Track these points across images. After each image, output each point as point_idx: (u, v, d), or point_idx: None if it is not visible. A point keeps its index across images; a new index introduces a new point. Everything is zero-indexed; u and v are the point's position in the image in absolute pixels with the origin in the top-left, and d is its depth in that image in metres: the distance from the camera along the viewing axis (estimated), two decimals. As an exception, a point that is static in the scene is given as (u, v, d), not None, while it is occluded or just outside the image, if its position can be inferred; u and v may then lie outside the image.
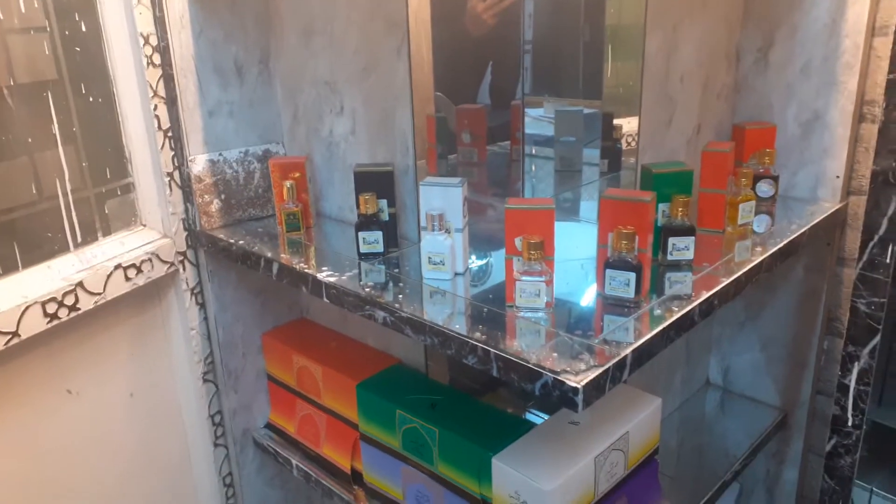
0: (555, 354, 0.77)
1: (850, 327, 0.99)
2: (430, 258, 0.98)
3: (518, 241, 0.87)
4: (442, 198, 0.99)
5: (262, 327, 1.39)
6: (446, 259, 0.98)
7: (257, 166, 1.29)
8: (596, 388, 0.74)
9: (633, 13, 1.19)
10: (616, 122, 1.41)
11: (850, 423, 1.03)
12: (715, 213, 1.12)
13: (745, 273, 0.97)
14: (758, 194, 1.23)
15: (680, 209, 0.98)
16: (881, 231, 0.95)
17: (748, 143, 1.24)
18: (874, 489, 1.09)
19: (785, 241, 1.07)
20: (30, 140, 1.03)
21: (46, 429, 1.11)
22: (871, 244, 0.97)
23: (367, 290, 0.97)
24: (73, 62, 1.08)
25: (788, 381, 1.36)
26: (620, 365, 0.77)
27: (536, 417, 1.22)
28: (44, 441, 1.11)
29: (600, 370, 0.74)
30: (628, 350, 0.78)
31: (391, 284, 0.99)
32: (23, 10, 1.00)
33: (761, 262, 1.01)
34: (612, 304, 0.90)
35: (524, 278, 0.86)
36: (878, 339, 0.97)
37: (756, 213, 1.17)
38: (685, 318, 0.86)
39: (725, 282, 0.94)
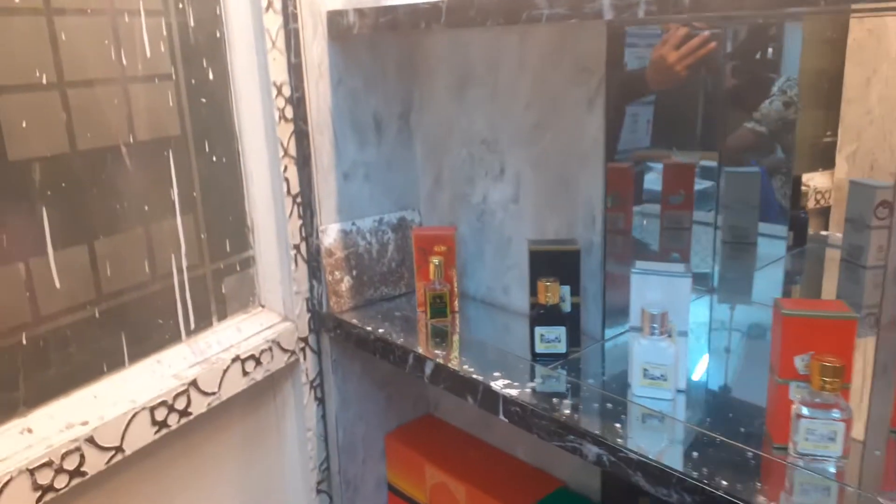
0: (898, 541, 0.52)
1: None
2: (646, 371, 0.75)
3: (800, 362, 0.64)
4: (663, 290, 0.76)
5: (385, 426, 1.17)
6: (668, 372, 0.74)
7: (391, 237, 1.10)
8: None
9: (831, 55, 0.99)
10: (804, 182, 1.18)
11: None
12: None
13: None
14: None
15: None
16: None
17: None
18: None
19: None
20: (146, 208, 0.85)
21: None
22: None
23: (565, 411, 0.74)
24: (198, 116, 0.91)
25: None
26: None
27: None
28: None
29: None
30: None
31: (594, 405, 0.75)
32: (148, 55, 0.84)
33: None
34: (924, 450, 0.64)
35: (810, 415, 0.62)
36: None
37: None
38: None
39: None
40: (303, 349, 1.05)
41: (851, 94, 1.00)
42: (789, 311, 0.64)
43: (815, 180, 1.19)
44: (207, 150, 0.93)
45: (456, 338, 0.95)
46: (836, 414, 0.62)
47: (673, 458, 0.64)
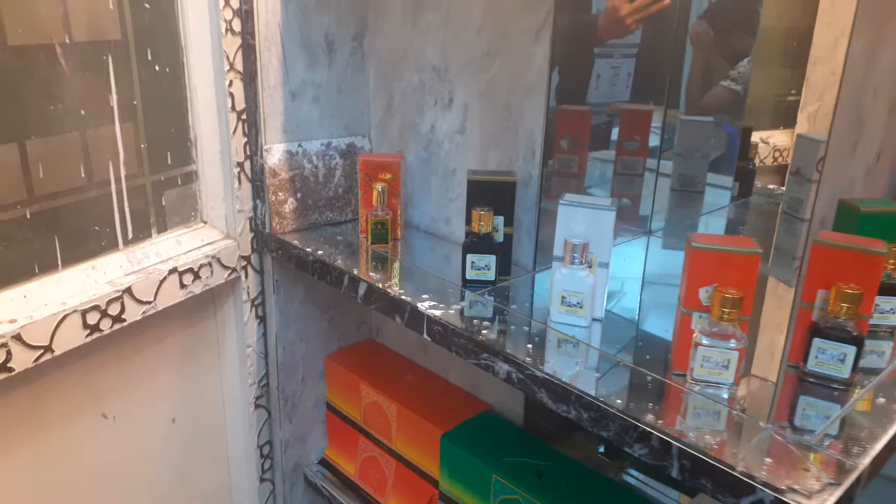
0: (768, 459, 0.56)
1: None
2: (563, 298, 0.78)
3: (704, 293, 0.66)
4: (587, 222, 0.78)
5: (326, 348, 1.20)
6: (585, 301, 0.77)
7: (339, 162, 1.10)
8: (836, 518, 0.52)
9: (796, 13, 1.00)
10: (755, 138, 1.20)
11: None
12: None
13: (975, 352, 0.75)
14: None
15: None
16: None
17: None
18: None
19: None
20: (83, 112, 0.84)
21: (77, 455, 0.93)
22: None
23: (483, 332, 0.76)
24: (141, 22, 0.89)
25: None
26: (858, 480, 0.56)
27: (632, 480, 1.01)
28: (73, 468, 0.93)
29: (839, 491, 0.53)
30: (866, 459, 0.57)
31: (512, 328, 0.78)
32: (87, -47, 0.82)
33: None
34: (815, 384, 0.68)
35: (710, 342, 0.65)
36: None
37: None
38: (920, 412, 0.64)
39: (956, 362, 0.72)
40: (244, 267, 1.06)
41: (818, 54, 1.01)
42: (698, 244, 0.66)
43: (774, 138, 1.21)
44: (150, 58, 0.92)
45: (395, 264, 0.97)
46: (731, 344, 0.65)
47: (576, 379, 0.67)
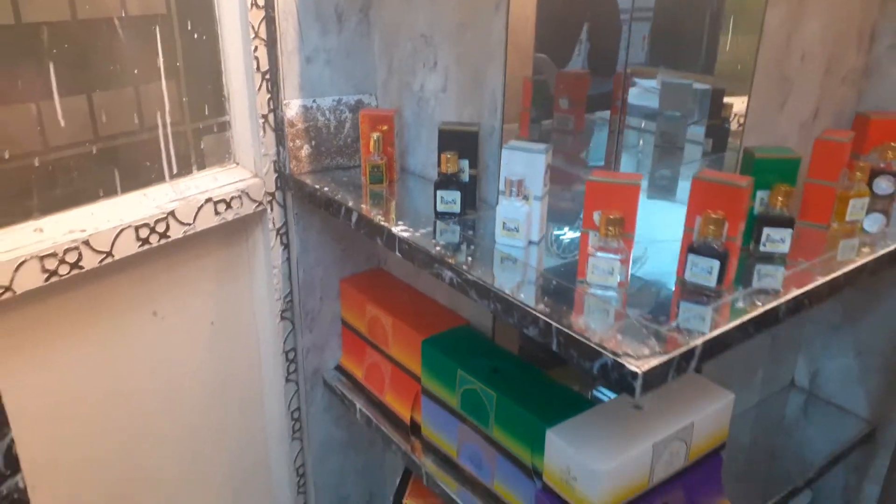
0: (619, 336, 0.75)
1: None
2: (504, 224, 0.97)
3: (596, 216, 0.84)
4: (524, 163, 0.96)
5: (340, 273, 1.42)
6: (521, 226, 0.96)
7: (349, 116, 1.30)
8: (658, 376, 0.71)
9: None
10: (727, 100, 1.33)
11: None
12: (821, 206, 1.03)
13: (844, 274, 0.90)
14: (874, 191, 1.12)
15: (780, 198, 0.91)
16: None
17: (872, 134, 1.14)
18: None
19: (896, 245, 0.98)
20: (135, 72, 1.07)
21: (131, 347, 1.19)
22: None
23: (438, 248, 0.96)
24: (182, -1, 1.12)
25: (882, 393, 1.27)
26: (688, 355, 0.73)
27: (603, 398, 1.19)
28: (127, 359, 1.19)
29: (664, 358, 0.71)
30: (699, 340, 0.74)
31: (464, 246, 0.98)
32: (139, -55, 1.04)
33: (865, 265, 0.93)
34: (691, 292, 0.85)
35: (598, 254, 0.83)
36: None
37: (869, 212, 1.07)
38: (768, 315, 0.81)
39: (820, 281, 0.87)
40: (270, 201, 1.29)
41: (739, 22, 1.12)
42: (592, 177, 0.84)
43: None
44: (189, 28, 1.14)
45: (386, 200, 1.17)
46: (616, 256, 0.83)
47: (500, 283, 0.87)
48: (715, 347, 0.76)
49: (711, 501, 1.04)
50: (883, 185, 1.13)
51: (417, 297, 1.36)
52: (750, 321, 0.79)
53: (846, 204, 1.02)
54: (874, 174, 1.12)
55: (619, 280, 0.84)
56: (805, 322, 1.38)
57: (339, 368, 1.47)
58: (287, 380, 1.44)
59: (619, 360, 0.71)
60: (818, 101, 1.13)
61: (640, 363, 0.70)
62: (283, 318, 1.39)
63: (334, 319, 1.45)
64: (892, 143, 1.11)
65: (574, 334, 0.75)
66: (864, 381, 1.30)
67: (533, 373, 1.11)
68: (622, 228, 0.82)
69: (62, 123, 0.99)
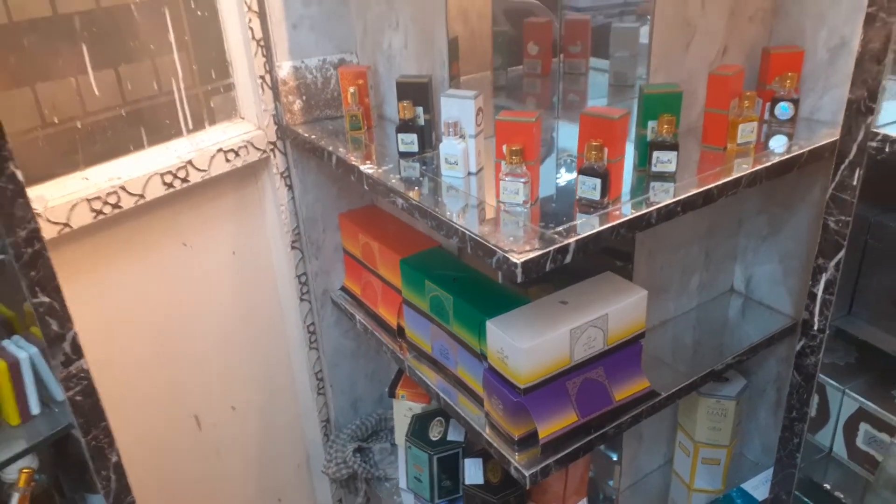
0: (511, 238, 0.98)
1: (821, 242, 1.10)
2: (446, 159, 1.19)
3: (504, 148, 1.06)
4: (458, 108, 1.18)
5: (338, 209, 1.68)
6: (460, 160, 1.18)
7: (333, 73, 1.53)
8: (535, 265, 0.94)
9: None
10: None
11: (815, 328, 1.15)
12: (718, 131, 1.22)
13: (717, 187, 1.10)
14: (777, 116, 1.30)
15: (665, 126, 1.11)
16: (851, 155, 1.03)
17: (773, 66, 1.31)
18: (846, 390, 1.22)
19: (775, 161, 1.17)
20: (151, 46, 1.33)
21: (165, 275, 1.48)
22: (842, 167, 1.05)
23: (394, 181, 1.20)
24: (185, -17, 1.36)
25: (801, 291, 1.46)
26: (563, 249, 0.96)
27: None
28: (164, 286, 1.48)
29: (540, 252, 0.94)
30: (571, 239, 0.97)
31: (419, 179, 1.21)
32: (146, -58, 1.28)
33: (740, 178, 1.13)
34: (583, 205, 1.07)
35: (507, 178, 1.06)
36: (842, 253, 1.08)
37: (775, 134, 1.26)
38: (639, 219, 1.02)
39: (693, 192, 1.08)
40: (272, 150, 1.55)
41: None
42: (500, 117, 1.06)
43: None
44: (193, 6, 1.38)
45: (362, 145, 1.41)
46: (521, 179, 1.05)
47: (433, 205, 1.10)
48: (589, 244, 0.99)
49: (630, 380, 1.28)
50: (784, 110, 1.30)
51: (401, 227, 1.61)
52: (620, 225, 1.01)
53: (736, 129, 1.20)
54: (776, 101, 1.30)
55: (523, 199, 1.06)
56: (739, 234, 1.57)
57: (343, 289, 1.75)
58: (301, 299, 1.72)
59: (506, 254, 0.94)
60: (724, 40, 1.30)
61: (520, 256, 0.93)
62: (293, 247, 1.66)
63: (337, 248, 1.72)
64: (790, 74, 1.28)
65: (479, 238, 0.99)
66: (786, 282, 1.50)
67: (485, 280, 1.35)
68: (523, 157, 1.04)
69: (96, 92, 1.25)
